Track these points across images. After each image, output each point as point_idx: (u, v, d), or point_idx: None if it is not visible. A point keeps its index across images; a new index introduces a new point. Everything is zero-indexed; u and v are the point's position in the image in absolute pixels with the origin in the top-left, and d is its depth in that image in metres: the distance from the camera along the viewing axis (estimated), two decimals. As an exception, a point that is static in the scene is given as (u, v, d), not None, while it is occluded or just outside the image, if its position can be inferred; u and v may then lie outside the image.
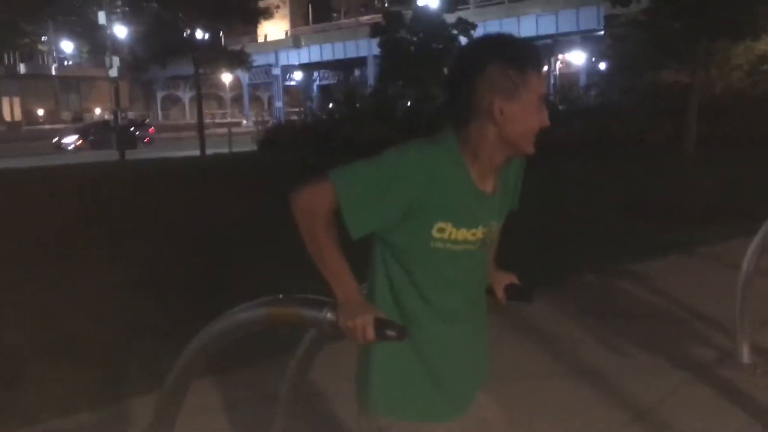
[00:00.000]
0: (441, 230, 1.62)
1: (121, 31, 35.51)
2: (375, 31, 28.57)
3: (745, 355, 3.82)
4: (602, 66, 32.89)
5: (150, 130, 37.12)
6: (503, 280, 1.89)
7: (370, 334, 1.54)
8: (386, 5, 50.96)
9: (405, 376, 1.70)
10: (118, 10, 37.61)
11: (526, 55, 1.63)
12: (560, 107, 25.02)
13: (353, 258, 1.66)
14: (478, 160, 1.65)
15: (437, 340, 1.70)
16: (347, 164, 1.61)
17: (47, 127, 56.70)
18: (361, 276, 1.69)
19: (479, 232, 1.67)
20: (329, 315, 1.62)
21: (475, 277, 1.76)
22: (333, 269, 1.62)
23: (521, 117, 1.62)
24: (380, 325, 1.54)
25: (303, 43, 66.73)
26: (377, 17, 35.71)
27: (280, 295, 1.83)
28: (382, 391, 1.70)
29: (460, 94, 1.65)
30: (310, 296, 1.71)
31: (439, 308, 1.69)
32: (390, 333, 1.53)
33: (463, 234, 1.64)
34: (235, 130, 32.04)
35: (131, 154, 24.83)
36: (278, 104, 66.11)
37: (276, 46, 67.96)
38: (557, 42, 58.62)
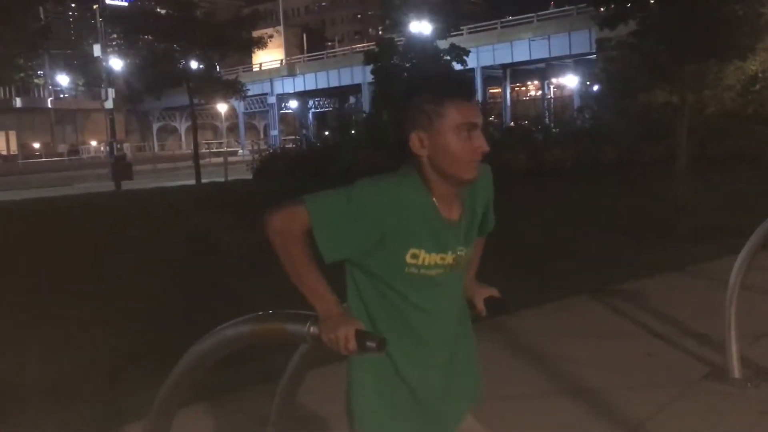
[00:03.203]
0: (414, 256, 1.68)
1: (116, 63, 35.85)
2: (369, 58, 28.85)
3: (736, 369, 3.84)
4: (595, 89, 33.18)
5: None
6: (483, 293, 1.93)
7: (352, 345, 1.59)
8: (380, 33, 51.50)
9: (385, 400, 1.74)
10: (114, 43, 37.97)
11: (440, 86, 1.70)
12: (554, 130, 25.23)
13: (335, 274, 1.70)
14: (432, 191, 1.71)
15: (416, 365, 1.75)
16: (321, 192, 1.67)
17: (43, 160, 56.84)
18: (340, 293, 1.73)
19: (449, 258, 1.73)
20: (312, 329, 1.65)
21: (450, 299, 1.80)
22: (311, 285, 1.66)
23: (442, 146, 1.67)
24: (361, 336, 1.58)
25: (298, 72, 67.26)
26: (371, 45, 36.12)
27: (270, 311, 1.86)
28: (365, 415, 1.76)
29: (398, 135, 1.73)
30: (294, 311, 1.75)
31: (416, 332, 1.73)
32: (370, 344, 1.57)
33: (434, 259, 1.70)
34: (231, 158, 32.16)
35: (127, 185, 24.87)
36: (274, 132, 66.52)
37: (271, 74, 68.49)
38: (550, 66, 59.28)
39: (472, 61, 34.15)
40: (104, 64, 31.70)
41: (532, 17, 52.06)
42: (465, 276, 1.86)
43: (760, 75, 23.96)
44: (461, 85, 1.71)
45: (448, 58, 28.37)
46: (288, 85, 67.76)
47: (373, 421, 1.76)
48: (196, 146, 25.94)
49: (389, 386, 1.74)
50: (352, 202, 1.63)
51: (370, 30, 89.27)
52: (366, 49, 36.75)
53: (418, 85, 1.75)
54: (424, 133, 1.68)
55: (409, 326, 1.73)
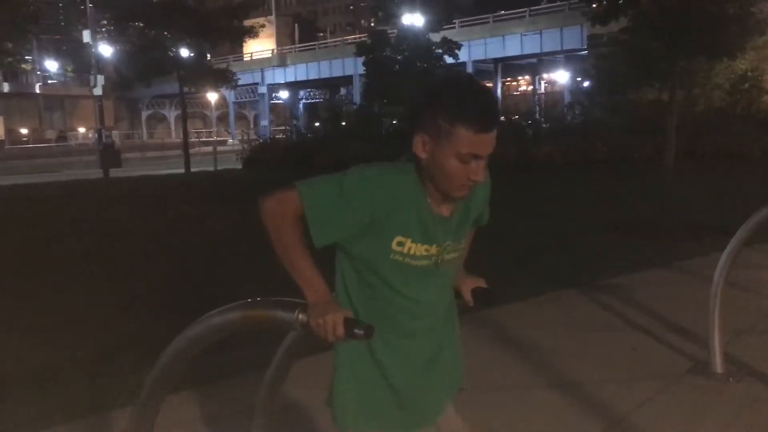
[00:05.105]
0: (400, 243, 1.68)
1: (106, 49, 35.54)
2: (361, 49, 28.78)
3: (719, 364, 3.89)
4: (586, 85, 33.27)
5: None
6: (470, 283, 1.94)
7: (339, 331, 1.60)
8: (372, 24, 51.33)
9: (365, 389, 1.77)
10: (103, 29, 37.64)
11: (460, 108, 1.59)
12: (544, 125, 25.29)
13: (325, 263, 1.71)
14: (426, 188, 1.71)
15: (397, 355, 1.77)
16: (315, 177, 1.68)
17: (31, 146, 56.37)
18: (330, 281, 1.74)
19: (433, 249, 1.73)
20: (301, 316, 1.66)
21: (437, 291, 1.81)
22: (302, 271, 1.67)
23: (441, 162, 1.63)
24: (349, 323, 1.60)
25: (289, 62, 66.96)
26: (363, 36, 36.00)
27: (259, 299, 1.87)
28: (344, 404, 1.79)
29: (410, 124, 1.71)
30: (282, 299, 1.76)
31: (401, 322, 1.75)
32: (358, 331, 1.58)
33: (420, 249, 1.71)
34: (220, 148, 32.03)
35: (115, 172, 24.73)
36: (264, 122, 66.26)
37: (262, 64, 68.15)
38: (542, 61, 59.29)
39: (463, 55, 34.16)
40: (93, 50, 31.41)
41: (525, 12, 52.04)
42: (454, 270, 1.87)
43: (749, 74, 24.11)
44: (483, 117, 1.60)
45: (440, 51, 28.36)
46: (279, 76, 67.44)
47: (349, 413, 1.79)
48: (186, 135, 25.79)
49: (369, 381, 1.77)
50: (345, 187, 1.63)
51: (363, 21, 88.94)
52: (358, 40, 36.65)
53: (442, 92, 1.64)
54: (429, 140, 1.64)
55: (393, 316, 1.74)
